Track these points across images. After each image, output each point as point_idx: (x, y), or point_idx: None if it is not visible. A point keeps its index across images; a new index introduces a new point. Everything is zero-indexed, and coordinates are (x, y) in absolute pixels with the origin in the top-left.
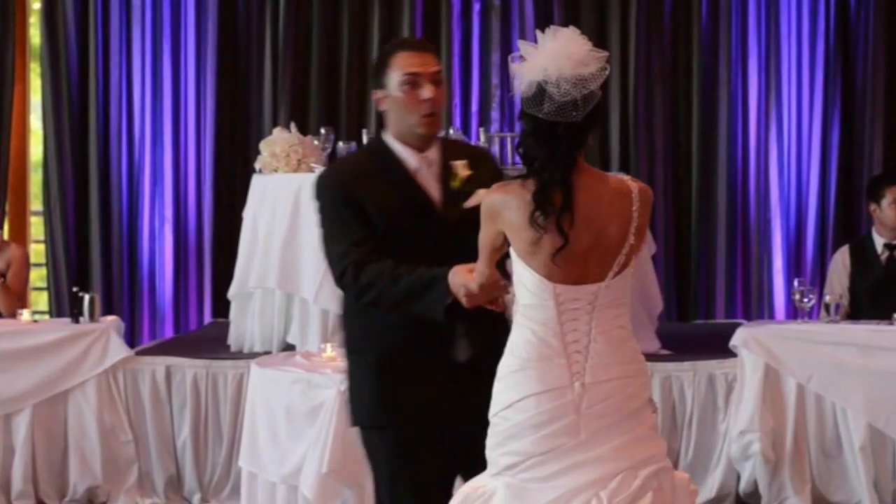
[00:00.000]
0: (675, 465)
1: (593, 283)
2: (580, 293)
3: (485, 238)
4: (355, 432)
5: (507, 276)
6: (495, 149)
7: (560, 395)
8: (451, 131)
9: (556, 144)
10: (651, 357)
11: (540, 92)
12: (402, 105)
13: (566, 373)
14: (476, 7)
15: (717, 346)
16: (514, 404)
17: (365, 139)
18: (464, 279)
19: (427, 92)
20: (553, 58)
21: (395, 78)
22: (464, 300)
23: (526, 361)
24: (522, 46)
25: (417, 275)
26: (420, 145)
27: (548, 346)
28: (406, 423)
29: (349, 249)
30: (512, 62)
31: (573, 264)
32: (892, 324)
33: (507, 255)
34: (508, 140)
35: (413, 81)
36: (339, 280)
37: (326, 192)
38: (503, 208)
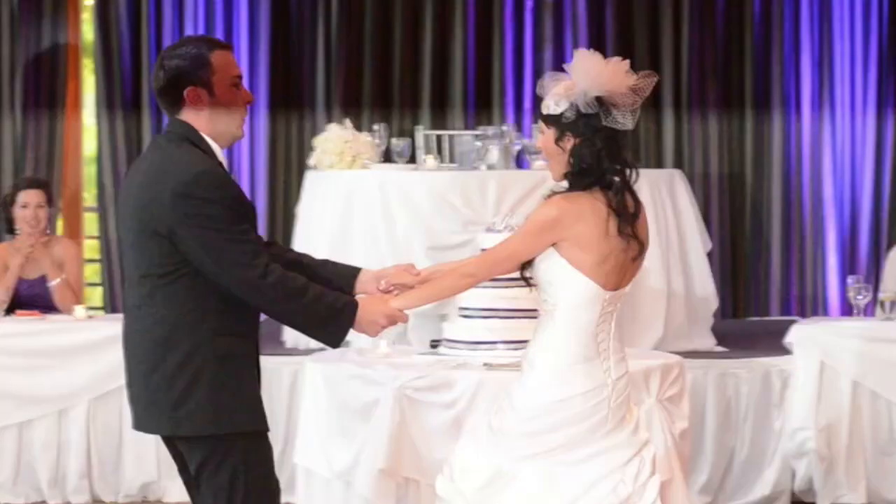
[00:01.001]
0: (730, 463)
1: (624, 288)
2: (617, 298)
3: (526, 249)
4: (414, 429)
5: (528, 283)
6: None
7: (599, 392)
8: (503, 128)
9: (621, 153)
10: (706, 354)
11: (601, 105)
12: (230, 107)
13: (601, 372)
14: (529, 4)
15: (772, 343)
16: (560, 402)
17: (419, 135)
18: (386, 311)
19: (248, 95)
20: (606, 71)
21: (222, 79)
22: (376, 329)
23: (571, 361)
24: (553, 76)
25: (334, 297)
26: (227, 145)
27: (587, 348)
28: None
29: (259, 250)
30: (549, 84)
31: (619, 272)
32: None
33: (529, 264)
34: None
35: (238, 84)
36: (262, 278)
37: (224, 190)
38: (576, 221)
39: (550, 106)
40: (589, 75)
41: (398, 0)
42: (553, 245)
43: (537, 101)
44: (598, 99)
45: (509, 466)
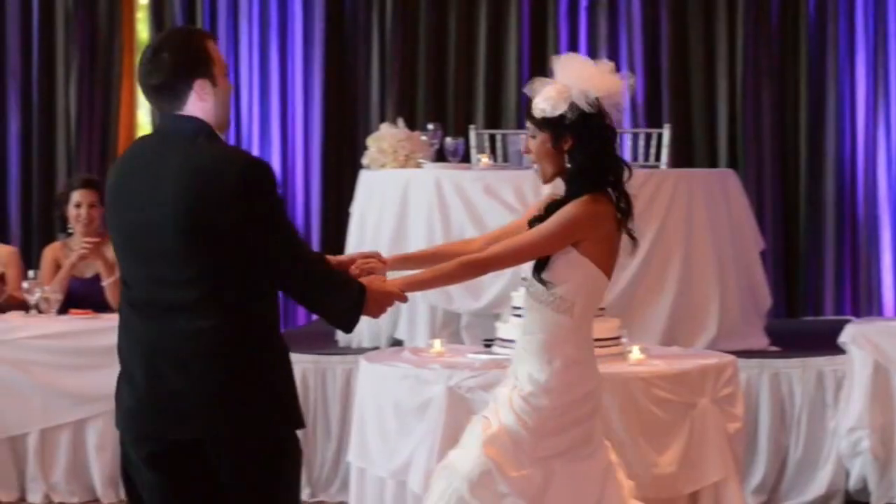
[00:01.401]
0: (784, 463)
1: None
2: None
3: (552, 246)
4: (463, 427)
5: (543, 282)
6: None
7: (600, 384)
8: None
9: (616, 152)
10: (760, 354)
11: (599, 106)
12: (226, 97)
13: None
14: (583, 3)
15: (826, 342)
16: (586, 395)
17: (472, 134)
18: (391, 292)
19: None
20: (596, 73)
21: (220, 69)
22: (380, 311)
23: (589, 355)
24: (540, 82)
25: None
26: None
27: (591, 343)
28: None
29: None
30: (538, 87)
31: (614, 268)
32: None
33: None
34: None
35: (227, 72)
36: (324, 267)
37: (275, 180)
38: (605, 220)
39: (547, 109)
40: (581, 77)
41: None
42: (573, 244)
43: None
44: (597, 99)
45: (541, 467)
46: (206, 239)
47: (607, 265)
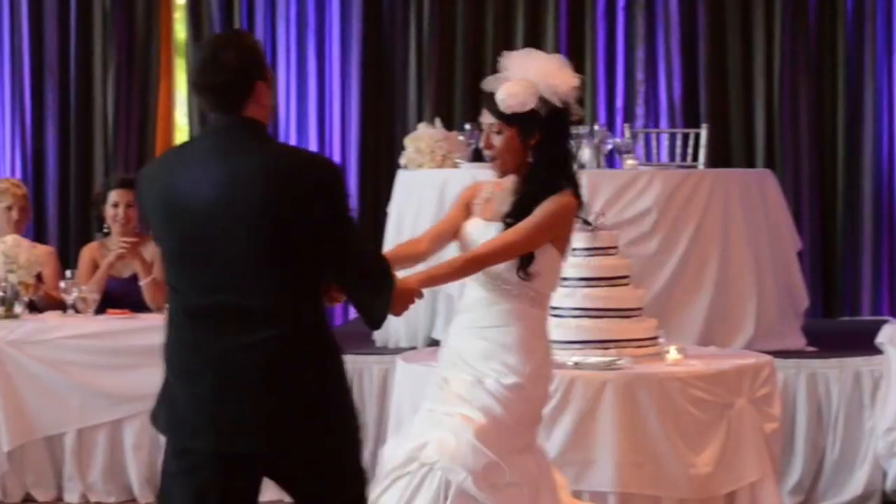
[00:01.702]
0: (821, 463)
1: None
2: None
3: (540, 241)
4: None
5: (524, 277)
6: (639, 145)
7: None
8: (595, 127)
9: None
10: (797, 354)
11: (566, 101)
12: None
13: None
14: (621, 2)
15: (864, 342)
16: (550, 385)
17: None
18: (412, 286)
19: None
20: (559, 69)
21: (270, 73)
22: (404, 308)
23: (549, 348)
24: (498, 78)
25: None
26: None
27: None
28: None
29: None
30: (500, 83)
31: None
32: None
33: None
34: (653, 136)
35: None
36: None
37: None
38: (574, 217)
39: (515, 104)
40: (545, 72)
41: None
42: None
43: (628, 100)
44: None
45: (528, 454)
46: (283, 243)
47: (565, 258)
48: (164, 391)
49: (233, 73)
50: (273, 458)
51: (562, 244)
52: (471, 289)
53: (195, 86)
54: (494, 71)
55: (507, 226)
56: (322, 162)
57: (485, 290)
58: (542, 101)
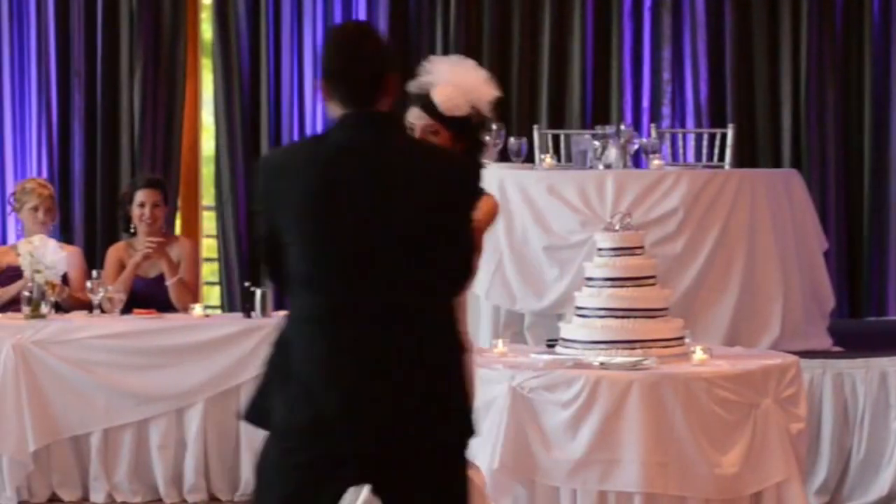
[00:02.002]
0: (847, 463)
1: None
2: None
3: (481, 242)
4: (530, 428)
5: None
6: (666, 145)
7: None
8: (621, 127)
9: None
10: (823, 354)
11: (487, 117)
12: None
13: None
14: (647, 2)
15: (890, 342)
16: None
17: (536, 134)
18: None
19: None
20: (483, 82)
21: None
22: None
23: None
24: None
25: None
26: None
27: None
28: None
29: None
30: (435, 86)
31: None
32: None
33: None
34: (679, 136)
35: None
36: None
37: None
38: None
39: (455, 108)
40: (476, 82)
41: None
42: None
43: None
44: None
45: None
46: (430, 242)
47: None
48: (285, 390)
49: (374, 65)
50: (393, 461)
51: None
52: None
53: (333, 74)
54: (520, 72)
55: None
56: (466, 161)
57: None
58: (475, 109)
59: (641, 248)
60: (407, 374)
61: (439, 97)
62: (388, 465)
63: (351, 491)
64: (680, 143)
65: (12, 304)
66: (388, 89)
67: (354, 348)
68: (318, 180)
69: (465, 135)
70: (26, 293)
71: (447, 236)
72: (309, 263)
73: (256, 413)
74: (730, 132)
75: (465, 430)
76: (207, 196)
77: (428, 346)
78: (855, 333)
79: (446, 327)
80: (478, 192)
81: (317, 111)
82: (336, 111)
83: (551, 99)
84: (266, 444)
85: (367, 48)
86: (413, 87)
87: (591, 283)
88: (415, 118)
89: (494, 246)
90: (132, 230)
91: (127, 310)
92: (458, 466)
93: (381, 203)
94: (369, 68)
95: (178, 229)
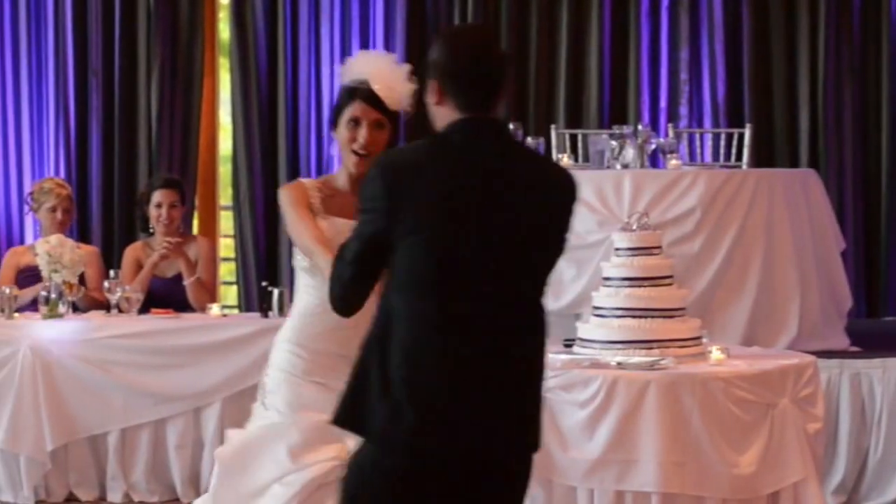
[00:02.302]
0: (864, 464)
1: None
2: None
3: None
4: (548, 428)
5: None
6: (683, 145)
7: None
8: (639, 127)
9: None
10: (840, 354)
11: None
12: None
13: None
14: (664, 2)
15: None
16: None
17: (553, 134)
18: None
19: None
20: (407, 80)
21: None
22: None
23: None
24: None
25: None
26: None
27: None
28: None
29: None
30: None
31: None
32: None
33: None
34: (697, 136)
35: None
36: None
37: None
38: None
39: (396, 102)
40: (401, 78)
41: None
42: None
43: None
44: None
45: None
46: (549, 254)
47: None
48: (404, 396)
49: (500, 70)
50: (497, 468)
51: None
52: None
53: (459, 77)
54: (538, 72)
55: None
56: (568, 176)
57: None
58: (408, 104)
59: (659, 247)
60: (524, 382)
61: (385, 91)
62: (491, 472)
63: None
64: (697, 142)
65: (30, 304)
66: (504, 96)
67: (477, 355)
68: (455, 185)
69: (397, 131)
70: (43, 293)
71: (557, 244)
72: (432, 266)
73: (350, 417)
74: (747, 132)
75: (539, 439)
76: (224, 196)
77: (540, 354)
78: (872, 333)
79: (545, 339)
80: (575, 208)
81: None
82: (448, 115)
83: (569, 99)
84: (364, 453)
85: (494, 53)
86: (347, 80)
87: (608, 282)
88: (360, 112)
89: None
90: (150, 230)
91: (144, 309)
92: (527, 481)
93: (514, 215)
94: (496, 73)
95: (195, 229)
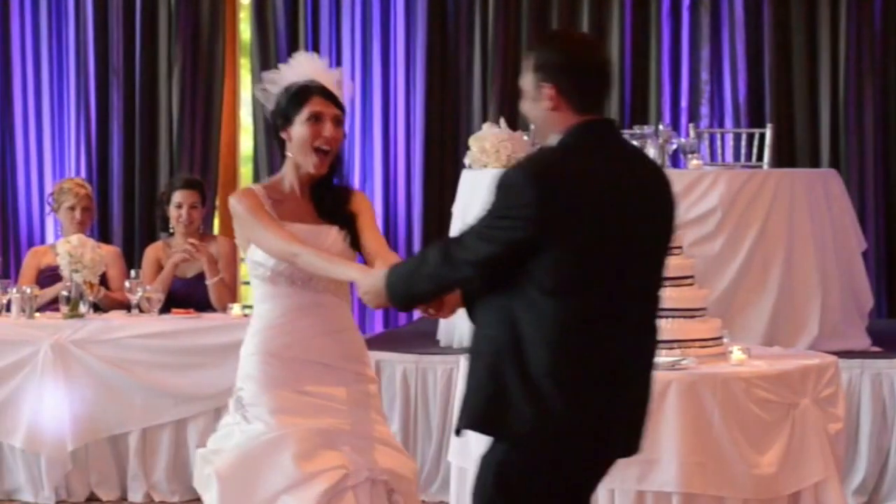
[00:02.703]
0: (885, 464)
1: None
2: None
3: None
4: None
5: None
6: (704, 145)
7: None
8: (659, 127)
9: None
10: (861, 354)
11: None
12: None
13: None
14: (685, 2)
15: None
16: None
17: None
18: None
19: None
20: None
21: None
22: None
23: None
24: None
25: None
26: None
27: None
28: None
29: None
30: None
31: None
32: None
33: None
34: (718, 136)
35: None
36: None
37: None
38: None
39: (344, 99)
40: (342, 80)
41: None
42: None
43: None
44: None
45: None
46: (667, 250)
47: None
48: (557, 396)
49: (610, 70)
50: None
51: None
52: (308, 296)
53: (585, 79)
54: None
55: (343, 224)
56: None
57: (331, 295)
58: None
59: (680, 247)
60: (652, 378)
61: (338, 90)
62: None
63: None
64: (718, 142)
65: (51, 304)
66: None
67: (624, 353)
68: (614, 188)
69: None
70: (64, 293)
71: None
72: (585, 269)
73: (491, 423)
74: (768, 132)
75: None
76: None
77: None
78: (894, 333)
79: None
80: None
81: (355, 111)
82: (563, 119)
83: None
84: (506, 457)
85: (605, 54)
86: (289, 81)
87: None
88: (322, 107)
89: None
90: (170, 230)
91: (165, 309)
92: None
93: (655, 216)
94: (609, 75)
95: (215, 229)
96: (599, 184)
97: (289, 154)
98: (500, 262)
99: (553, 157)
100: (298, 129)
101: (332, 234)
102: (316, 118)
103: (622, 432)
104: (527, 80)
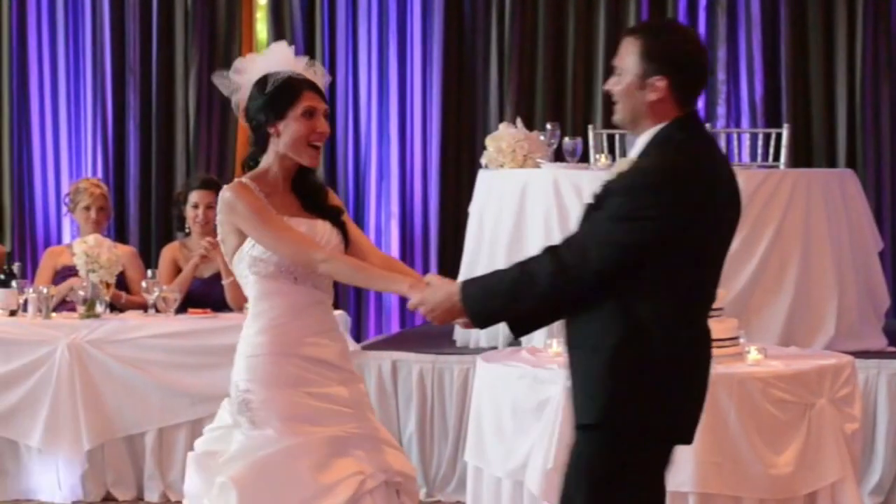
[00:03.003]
0: None
1: None
2: None
3: None
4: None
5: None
6: (721, 144)
7: None
8: None
9: None
10: (878, 354)
11: None
12: None
13: None
14: (702, 2)
15: None
16: None
17: (590, 134)
18: None
19: None
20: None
21: None
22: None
23: None
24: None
25: None
26: None
27: None
28: None
29: None
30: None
31: None
32: None
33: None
34: (735, 136)
35: None
36: None
37: None
38: None
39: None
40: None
41: None
42: None
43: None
44: None
45: None
46: None
47: None
48: (677, 392)
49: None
50: None
51: None
52: (308, 293)
53: (699, 71)
54: (575, 71)
55: (331, 219)
56: None
57: (325, 293)
58: None
59: None
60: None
61: (323, 81)
62: None
63: None
64: (735, 142)
65: (67, 304)
66: None
67: (708, 353)
68: (715, 190)
69: None
70: (81, 292)
71: None
72: (700, 270)
73: (610, 417)
74: (785, 132)
75: None
76: None
77: None
78: None
79: None
80: None
81: (371, 111)
82: (665, 112)
83: (606, 99)
84: (610, 449)
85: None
86: (270, 72)
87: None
88: (315, 102)
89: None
90: (186, 230)
91: (181, 309)
92: None
93: (738, 207)
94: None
95: None
96: (720, 180)
97: (276, 148)
98: (621, 267)
99: (679, 157)
100: (292, 125)
101: (326, 229)
102: (310, 113)
103: (692, 424)
104: (630, 65)
